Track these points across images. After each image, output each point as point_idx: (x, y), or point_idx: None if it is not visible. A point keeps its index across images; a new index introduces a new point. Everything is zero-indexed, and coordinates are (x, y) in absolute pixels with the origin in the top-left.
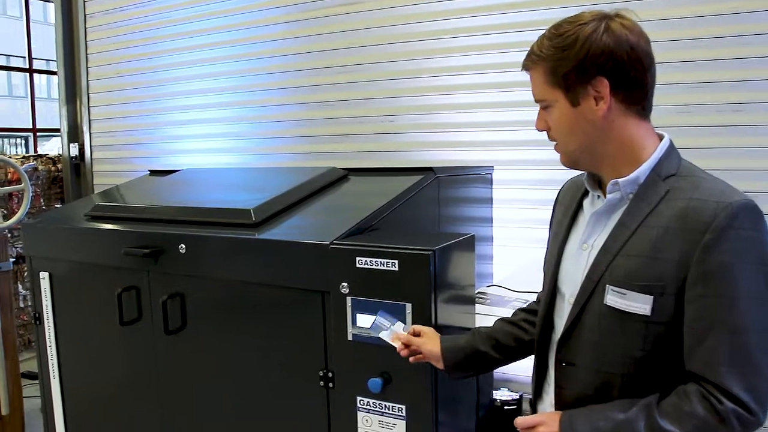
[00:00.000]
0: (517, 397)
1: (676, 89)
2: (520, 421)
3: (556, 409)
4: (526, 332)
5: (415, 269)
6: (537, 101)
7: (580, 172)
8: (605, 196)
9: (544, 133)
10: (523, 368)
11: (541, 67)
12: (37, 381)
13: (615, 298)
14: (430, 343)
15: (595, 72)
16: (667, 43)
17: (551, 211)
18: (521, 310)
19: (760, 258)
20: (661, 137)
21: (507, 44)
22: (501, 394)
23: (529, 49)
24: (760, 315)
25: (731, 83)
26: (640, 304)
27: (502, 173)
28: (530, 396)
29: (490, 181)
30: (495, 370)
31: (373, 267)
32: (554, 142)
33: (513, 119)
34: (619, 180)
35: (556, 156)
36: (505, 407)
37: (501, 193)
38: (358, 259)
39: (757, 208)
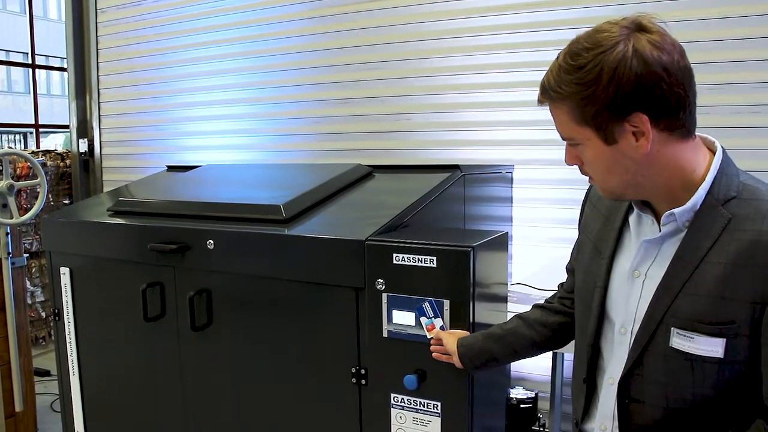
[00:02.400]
0: (533, 395)
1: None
2: None
3: None
4: (540, 334)
5: (454, 266)
6: (564, 139)
7: None
8: (656, 219)
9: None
10: (537, 366)
11: (564, 105)
12: (45, 377)
13: (682, 342)
14: (449, 339)
15: (630, 108)
16: (686, 44)
17: (580, 209)
18: (538, 307)
19: None
20: (711, 148)
21: (528, 44)
22: (516, 393)
23: (541, 80)
24: None
25: (750, 85)
26: (711, 347)
27: (522, 172)
28: (545, 394)
29: (511, 180)
30: (511, 369)
31: (411, 264)
32: (588, 176)
33: (532, 118)
34: (675, 211)
35: None
36: (521, 405)
37: (520, 192)
38: (395, 255)
39: None
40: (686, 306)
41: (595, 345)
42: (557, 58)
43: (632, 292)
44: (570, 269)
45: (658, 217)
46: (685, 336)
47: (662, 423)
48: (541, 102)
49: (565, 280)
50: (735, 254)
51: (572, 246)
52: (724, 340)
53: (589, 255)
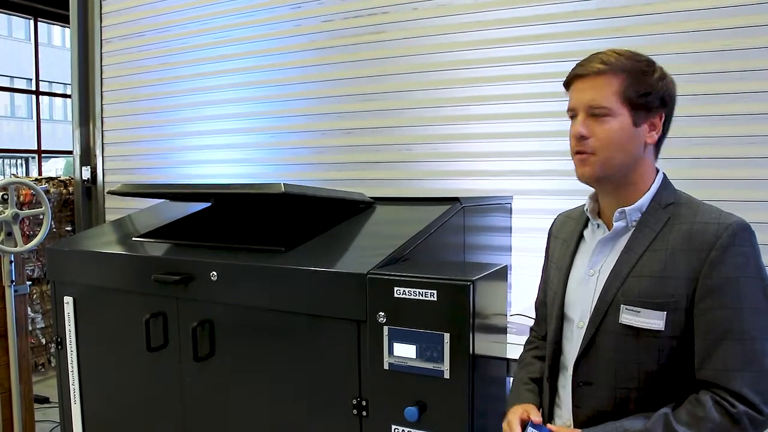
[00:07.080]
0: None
1: (694, 121)
2: None
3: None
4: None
5: (454, 299)
6: (594, 107)
7: (571, 208)
8: (607, 225)
9: (561, 163)
10: None
11: (617, 78)
12: (45, 405)
13: (630, 317)
14: None
15: (661, 104)
16: (690, 76)
17: (545, 246)
18: (532, 358)
19: (757, 272)
20: (656, 171)
21: (525, 76)
22: None
23: (589, 58)
24: (763, 323)
25: (749, 116)
26: (654, 320)
27: (520, 203)
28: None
29: (510, 211)
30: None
31: (412, 297)
32: (581, 154)
33: (530, 149)
34: (626, 209)
35: (573, 186)
36: None
37: (520, 221)
38: (396, 289)
39: (751, 227)
40: (634, 286)
41: (558, 344)
42: (603, 51)
43: (587, 289)
44: (542, 301)
45: (608, 226)
46: (632, 310)
47: (610, 406)
48: (593, 70)
49: (538, 322)
50: (674, 241)
51: None
52: (665, 313)
53: (553, 275)
